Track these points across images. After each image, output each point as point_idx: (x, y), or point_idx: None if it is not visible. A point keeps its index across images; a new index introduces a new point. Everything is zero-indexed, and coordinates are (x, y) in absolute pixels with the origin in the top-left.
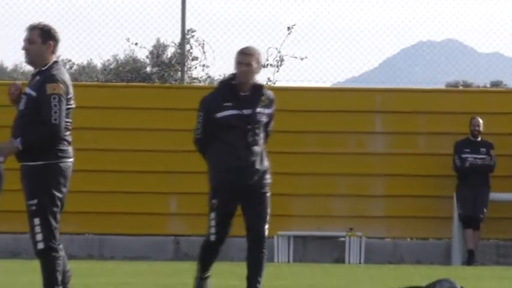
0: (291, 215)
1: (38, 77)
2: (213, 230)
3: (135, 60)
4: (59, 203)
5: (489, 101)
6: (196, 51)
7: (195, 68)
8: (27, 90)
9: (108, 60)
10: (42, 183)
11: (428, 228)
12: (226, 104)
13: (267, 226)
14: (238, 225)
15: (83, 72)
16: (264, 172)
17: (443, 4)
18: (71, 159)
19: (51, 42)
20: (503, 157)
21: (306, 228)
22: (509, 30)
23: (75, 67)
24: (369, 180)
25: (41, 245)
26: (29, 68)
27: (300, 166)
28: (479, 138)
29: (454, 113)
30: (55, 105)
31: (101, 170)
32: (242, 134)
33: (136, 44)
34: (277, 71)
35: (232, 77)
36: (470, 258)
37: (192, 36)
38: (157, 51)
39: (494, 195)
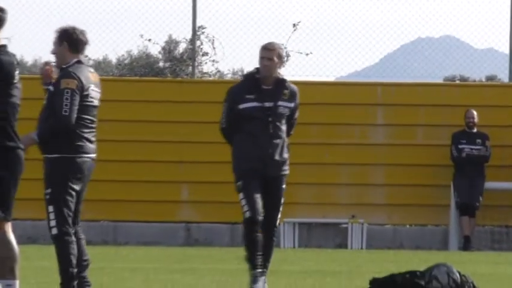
0: (297, 203)
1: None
2: (245, 208)
3: (148, 56)
4: (73, 193)
5: (484, 94)
6: (206, 47)
7: (205, 63)
8: (50, 87)
9: (123, 55)
10: (56, 175)
11: (426, 215)
12: (249, 96)
13: (279, 216)
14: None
15: (99, 68)
16: (283, 163)
17: (441, 2)
18: (89, 155)
19: (65, 42)
20: (498, 148)
21: (310, 216)
22: (504, 27)
23: (91, 62)
24: (370, 170)
25: (54, 230)
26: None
27: (305, 156)
28: (474, 130)
29: (451, 106)
30: (66, 99)
31: (115, 160)
32: (263, 126)
33: (149, 40)
34: (284, 66)
35: (257, 70)
36: (466, 244)
37: (203, 32)
38: (170, 47)
39: (489, 184)
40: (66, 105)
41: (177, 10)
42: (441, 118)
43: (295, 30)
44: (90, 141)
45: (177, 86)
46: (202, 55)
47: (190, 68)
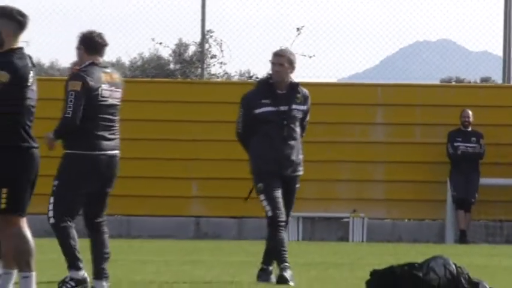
0: (301, 198)
1: None
2: (268, 208)
3: (159, 58)
4: (80, 189)
5: (479, 95)
6: (214, 50)
7: (214, 65)
8: None
9: (135, 58)
10: (65, 169)
11: (424, 210)
12: (264, 101)
13: (291, 214)
14: (250, 207)
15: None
16: (298, 164)
17: (438, 8)
18: (104, 152)
19: (82, 46)
20: (492, 146)
21: (314, 210)
22: (498, 31)
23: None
24: (370, 167)
25: (51, 220)
26: (65, 66)
27: (308, 154)
28: (469, 129)
29: (448, 106)
30: (71, 101)
31: (128, 157)
32: (279, 129)
33: (160, 43)
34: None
35: (270, 76)
36: (462, 237)
37: (211, 36)
38: (180, 49)
39: (483, 180)
40: (69, 107)
41: (187, 15)
42: (438, 117)
43: (299, 34)
44: (107, 139)
45: (186, 87)
46: (211, 57)
47: (199, 70)
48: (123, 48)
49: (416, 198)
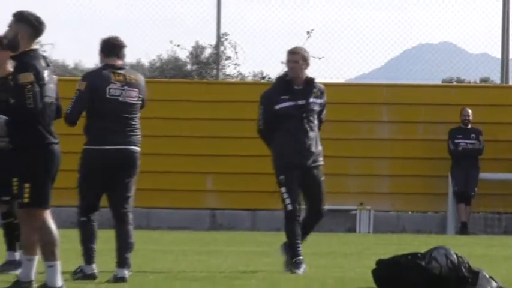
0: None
1: None
2: (287, 201)
3: (177, 60)
4: (92, 181)
5: (479, 94)
6: (229, 52)
7: (228, 66)
8: None
9: (154, 59)
10: (80, 164)
11: (427, 202)
12: (283, 96)
13: (324, 203)
14: (263, 200)
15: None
16: (318, 155)
17: (440, 12)
18: (112, 147)
19: (100, 49)
20: (491, 142)
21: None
22: (496, 34)
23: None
24: (376, 162)
25: (77, 215)
26: (87, 66)
27: None
28: (469, 126)
29: (449, 105)
30: (73, 99)
31: (147, 153)
32: (299, 122)
33: (178, 45)
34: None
35: (286, 73)
36: (462, 229)
37: (226, 39)
38: (196, 51)
39: (483, 175)
40: (71, 104)
41: (203, 19)
42: (439, 116)
43: (309, 37)
44: (118, 134)
45: (203, 87)
46: (226, 59)
47: (215, 71)
48: (143, 50)
49: (419, 192)
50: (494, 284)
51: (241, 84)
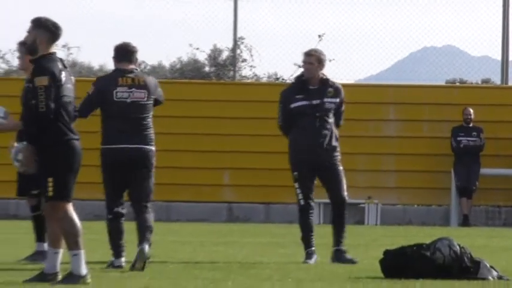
0: (321, 186)
1: None
2: (300, 196)
3: (196, 62)
4: (111, 179)
5: (480, 95)
6: (245, 55)
7: (244, 68)
8: None
9: (174, 61)
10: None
11: (431, 196)
12: (298, 96)
13: (345, 193)
14: (277, 194)
15: (154, 72)
16: (332, 150)
17: (444, 17)
18: (121, 146)
19: (113, 56)
20: (492, 140)
21: None
22: (497, 38)
23: (148, 67)
24: (383, 158)
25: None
26: (111, 68)
27: None
28: (471, 125)
29: (452, 105)
30: (83, 100)
31: (167, 149)
32: (312, 120)
33: (197, 48)
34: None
35: (303, 74)
36: (465, 221)
37: (242, 42)
38: (214, 54)
39: (484, 170)
40: (79, 104)
41: (221, 24)
42: (443, 115)
43: (320, 40)
44: (127, 133)
45: (220, 88)
46: (242, 61)
47: (231, 73)
48: (164, 52)
49: (424, 186)
50: (494, 273)
51: (256, 85)
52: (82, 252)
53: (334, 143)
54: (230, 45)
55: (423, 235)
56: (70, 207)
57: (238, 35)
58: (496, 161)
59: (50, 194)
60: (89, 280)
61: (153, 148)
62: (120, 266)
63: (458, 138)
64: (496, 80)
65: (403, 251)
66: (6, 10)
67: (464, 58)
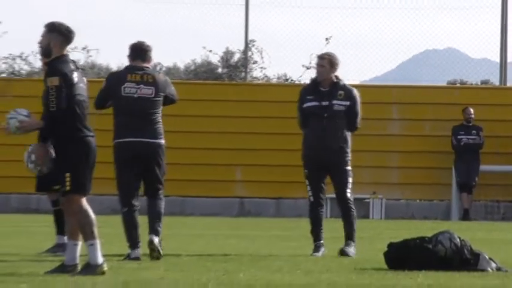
0: (328, 183)
1: None
2: (310, 193)
3: (209, 63)
4: (123, 172)
5: (479, 95)
6: (256, 57)
7: (255, 69)
8: None
9: (189, 63)
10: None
11: (433, 192)
12: (309, 97)
13: (348, 191)
14: (287, 189)
15: (170, 73)
16: (339, 151)
17: (445, 21)
18: (130, 139)
19: (128, 55)
20: (491, 138)
21: None
22: (495, 41)
23: (164, 68)
24: (387, 156)
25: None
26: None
27: None
28: (471, 123)
29: (453, 104)
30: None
31: (183, 147)
32: (321, 121)
33: (210, 51)
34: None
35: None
36: (465, 215)
37: (253, 45)
38: (227, 56)
39: (483, 167)
40: (95, 98)
41: (233, 27)
42: (444, 114)
43: (327, 43)
44: (136, 128)
45: (232, 88)
46: (253, 63)
47: (243, 74)
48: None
49: (426, 182)
50: (493, 264)
51: (266, 86)
52: (97, 241)
53: (342, 144)
54: (242, 47)
55: (425, 228)
56: (84, 201)
57: (250, 38)
58: (495, 158)
59: (68, 188)
60: (105, 268)
61: (162, 141)
62: (137, 258)
63: (459, 137)
64: (495, 81)
65: (406, 243)
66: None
67: (465, 60)
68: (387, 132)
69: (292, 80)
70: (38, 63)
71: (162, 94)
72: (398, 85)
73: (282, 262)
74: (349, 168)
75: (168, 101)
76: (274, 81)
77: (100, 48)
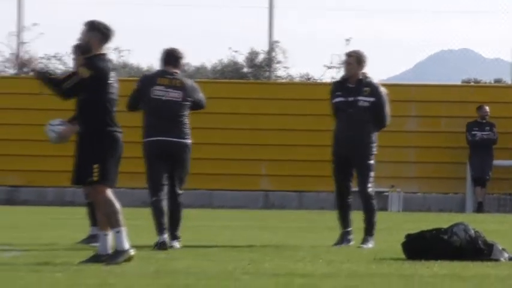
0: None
1: None
2: (336, 185)
3: (235, 63)
4: (152, 168)
5: (492, 93)
6: (280, 57)
7: (279, 69)
8: None
9: (216, 63)
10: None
11: (448, 185)
12: (337, 93)
13: (369, 185)
14: (309, 183)
15: (198, 72)
16: (362, 146)
17: (461, 23)
18: (157, 138)
19: (160, 59)
20: (504, 134)
21: None
22: (508, 42)
23: (192, 68)
24: (405, 151)
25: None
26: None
27: None
28: (484, 120)
29: (467, 102)
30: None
31: (210, 143)
32: (347, 116)
33: (236, 51)
34: (340, 71)
35: None
36: (479, 208)
37: (277, 45)
38: (252, 56)
39: (496, 162)
40: (128, 98)
41: (257, 29)
42: (459, 111)
43: (347, 44)
44: (163, 128)
45: (257, 87)
46: (277, 63)
47: (267, 73)
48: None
49: (442, 176)
50: (506, 255)
51: (290, 85)
52: (123, 229)
53: (366, 139)
54: (266, 48)
55: (441, 221)
56: (110, 191)
57: (274, 39)
58: (508, 154)
59: (95, 178)
60: (132, 253)
61: (189, 141)
62: (164, 243)
63: (473, 133)
64: (507, 79)
65: (423, 234)
66: (63, 16)
67: (479, 60)
68: (405, 129)
69: (314, 79)
70: (71, 63)
71: (189, 99)
72: (416, 84)
73: (305, 252)
74: (371, 162)
75: (196, 106)
76: (297, 80)
77: (132, 49)
